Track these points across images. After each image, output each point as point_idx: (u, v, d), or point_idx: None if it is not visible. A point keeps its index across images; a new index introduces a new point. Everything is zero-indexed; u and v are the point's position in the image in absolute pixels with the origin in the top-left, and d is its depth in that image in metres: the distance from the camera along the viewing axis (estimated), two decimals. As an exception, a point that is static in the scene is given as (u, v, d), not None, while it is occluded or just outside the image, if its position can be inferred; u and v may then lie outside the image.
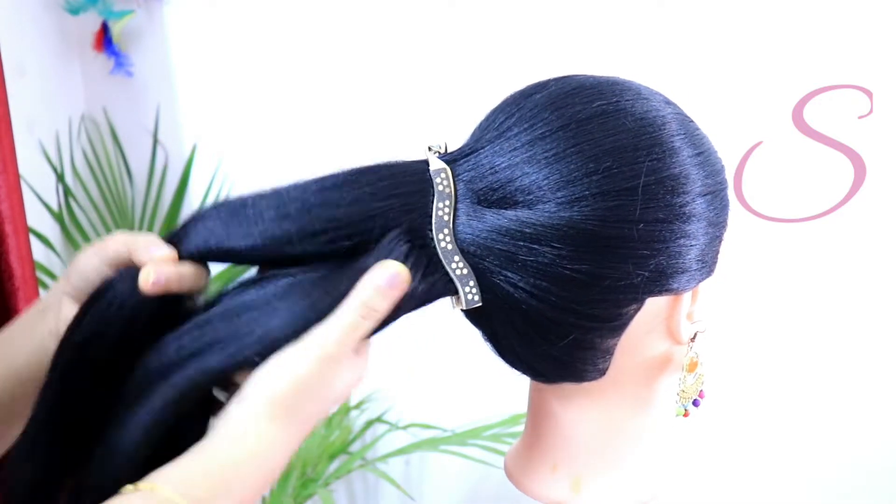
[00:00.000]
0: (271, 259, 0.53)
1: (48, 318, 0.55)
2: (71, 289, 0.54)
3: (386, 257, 0.50)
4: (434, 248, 0.52)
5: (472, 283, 0.52)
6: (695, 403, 0.59)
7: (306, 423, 0.50)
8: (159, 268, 0.51)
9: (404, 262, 0.50)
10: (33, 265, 1.16)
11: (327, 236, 0.51)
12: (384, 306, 0.49)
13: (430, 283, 0.52)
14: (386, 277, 0.49)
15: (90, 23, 1.55)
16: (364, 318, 0.49)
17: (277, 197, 0.54)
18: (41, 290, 1.33)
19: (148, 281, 0.50)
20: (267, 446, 0.47)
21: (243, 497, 0.46)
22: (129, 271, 0.52)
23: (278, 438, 0.48)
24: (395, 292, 0.49)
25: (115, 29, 1.53)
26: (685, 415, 0.59)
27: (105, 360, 0.52)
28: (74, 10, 1.51)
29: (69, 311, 0.53)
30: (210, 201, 1.56)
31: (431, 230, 0.52)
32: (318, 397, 0.49)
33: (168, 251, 0.52)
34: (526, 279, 0.51)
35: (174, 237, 0.53)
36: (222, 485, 0.46)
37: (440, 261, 0.52)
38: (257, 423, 0.47)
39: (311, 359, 0.48)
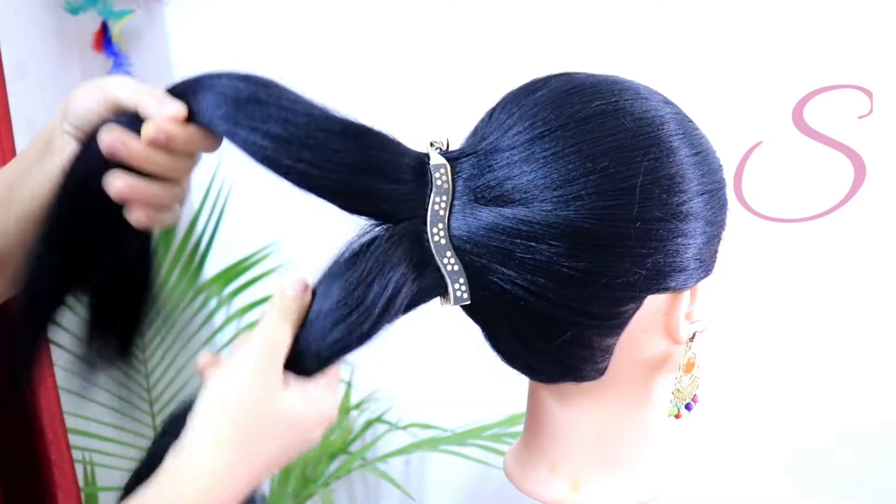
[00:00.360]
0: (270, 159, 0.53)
1: (56, 159, 0.56)
2: (70, 127, 0.55)
3: (384, 256, 0.50)
4: (427, 242, 0.52)
5: (462, 281, 0.52)
6: (688, 407, 0.59)
7: (265, 453, 0.49)
8: (164, 125, 0.52)
9: (400, 261, 0.50)
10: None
11: (329, 168, 0.52)
12: (297, 307, 0.51)
13: (421, 281, 0.52)
14: (293, 288, 0.51)
15: (90, 23, 1.55)
16: (284, 323, 0.50)
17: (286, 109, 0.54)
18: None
19: (148, 135, 0.51)
20: (220, 480, 0.47)
21: None
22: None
23: (232, 468, 0.47)
24: (304, 297, 0.51)
25: (115, 29, 1.53)
26: (677, 416, 0.59)
27: (95, 207, 0.54)
28: (74, 10, 1.51)
29: (74, 151, 0.54)
30: (210, 201, 1.57)
31: (426, 224, 0.52)
32: (269, 427, 0.49)
33: (178, 108, 0.52)
34: (523, 276, 0.51)
35: (183, 93, 0.54)
36: None
37: (433, 256, 0.52)
38: (206, 452, 0.47)
39: (243, 370, 0.49)
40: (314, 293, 0.52)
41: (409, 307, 0.52)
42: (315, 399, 0.51)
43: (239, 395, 0.48)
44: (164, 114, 0.52)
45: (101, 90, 0.54)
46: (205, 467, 0.47)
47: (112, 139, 0.52)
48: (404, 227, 0.52)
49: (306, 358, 0.51)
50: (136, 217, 0.55)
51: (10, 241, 0.59)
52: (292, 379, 0.51)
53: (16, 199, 0.58)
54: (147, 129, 0.52)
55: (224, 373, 0.49)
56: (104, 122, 0.53)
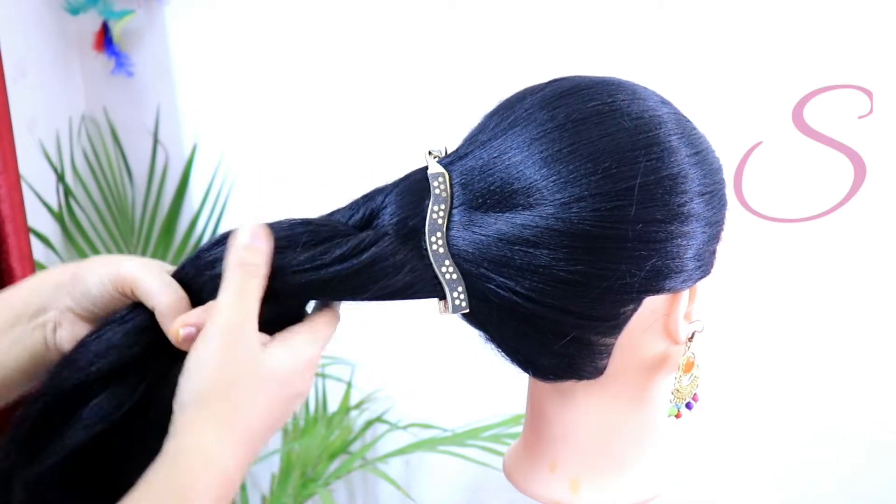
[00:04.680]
0: None
1: (46, 328, 0.53)
2: (74, 304, 0.52)
3: (380, 255, 0.51)
4: (426, 251, 0.52)
5: (460, 289, 0.52)
6: (688, 406, 0.59)
7: (252, 416, 0.47)
8: (189, 330, 0.49)
9: (390, 255, 0.51)
10: (33, 265, 1.16)
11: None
12: (258, 260, 0.49)
13: (416, 281, 0.52)
14: (248, 234, 0.49)
15: (90, 23, 1.55)
16: (247, 277, 0.48)
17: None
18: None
19: (178, 339, 0.49)
20: (211, 455, 0.45)
21: None
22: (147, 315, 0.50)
23: (225, 446, 0.46)
24: (261, 244, 0.49)
25: (116, 29, 1.53)
26: (678, 415, 0.59)
27: (109, 387, 0.50)
28: (74, 10, 1.51)
29: (76, 328, 0.52)
30: (210, 201, 1.57)
31: (425, 233, 0.52)
32: (249, 382, 0.47)
33: (192, 319, 0.49)
34: (522, 283, 0.51)
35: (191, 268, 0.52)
36: None
37: (431, 264, 0.52)
38: (196, 434, 0.46)
39: (213, 335, 0.47)
40: (278, 241, 0.50)
41: (393, 297, 0.52)
42: (295, 348, 0.50)
43: (213, 363, 0.47)
44: (179, 325, 0.50)
45: (116, 276, 0.51)
46: (192, 444, 0.45)
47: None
48: (404, 235, 0.52)
49: (279, 302, 0.50)
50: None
51: None
52: (272, 337, 0.50)
53: None
54: (177, 337, 0.49)
55: (196, 347, 0.48)
56: (117, 304, 0.52)
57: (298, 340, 0.51)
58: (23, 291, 0.54)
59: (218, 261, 0.51)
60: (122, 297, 0.52)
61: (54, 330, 0.53)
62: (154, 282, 0.50)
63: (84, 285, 0.52)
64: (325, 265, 0.50)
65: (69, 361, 0.50)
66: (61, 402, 0.49)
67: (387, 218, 0.53)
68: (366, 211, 0.54)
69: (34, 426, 0.50)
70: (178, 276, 0.52)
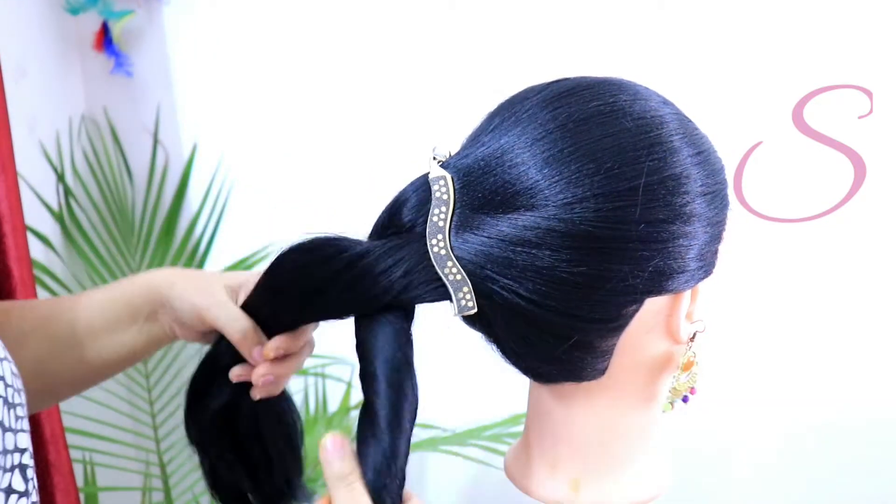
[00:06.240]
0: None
1: (164, 326, 0.68)
2: (175, 321, 0.67)
3: (381, 261, 0.52)
4: (429, 254, 0.52)
5: (465, 290, 0.52)
6: (684, 399, 0.59)
7: None
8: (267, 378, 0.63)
9: (387, 255, 0.53)
10: (31, 265, 1.15)
11: None
12: (350, 466, 0.52)
13: (420, 283, 0.52)
14: (332, 448, 0.52)
15: (90, 23, 1.55)
16: (350, 487, 0.51)
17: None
18: (39, 290, 1.33)
19: (258, 387, 0.63)
20: None
21: None
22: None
23: None
24: (346, 450, 0.52)
25: (116, 29, 1.53)
26: (671, 408, 0.59)
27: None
28: (74, 10, 1.51)
29: (184, 329, 0.66)
30: (210, 201, 1.57)
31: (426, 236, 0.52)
32: None
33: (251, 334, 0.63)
34: (525, 284, 0.51)
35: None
36: None
37: (433, 266, 0.52)
38: None
39: None
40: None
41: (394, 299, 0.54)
42: None
43: None
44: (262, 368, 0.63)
45: (197, 315, 0.64)
46: None
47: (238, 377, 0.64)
48: (406, 240, 0.53)
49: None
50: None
51: (70, 375, 0.70)
52: None
53: (95, 348, 0.68)
54: (256, 387, 0.64)
55: None
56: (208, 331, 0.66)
57: None
58: (137, 299, 0.68)
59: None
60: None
61: (169, 328, 0.68)
62: (222, 321, 0.63)
63: (178, 314, 0.66)
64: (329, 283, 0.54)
65: (210, 356, 0.66)
66: (209, 376, 0.66)
67: (401, 221, 0.54)
68: (386, 217, 0.55)
69: (196, 386, 0.66)
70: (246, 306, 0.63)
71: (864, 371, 1.37)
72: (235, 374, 0.64)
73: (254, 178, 1.56)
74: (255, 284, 0.61)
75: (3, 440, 0.52)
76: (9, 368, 0.55)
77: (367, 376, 0.53)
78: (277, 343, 0.62)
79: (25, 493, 0.54)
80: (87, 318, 0.68)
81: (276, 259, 0.58)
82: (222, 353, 0.65)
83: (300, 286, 0.56)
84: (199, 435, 0.66)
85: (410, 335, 0.55)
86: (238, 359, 0.64)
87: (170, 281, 0.67)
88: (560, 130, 0.51)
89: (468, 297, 0.52)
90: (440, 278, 0.52)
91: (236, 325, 0.62)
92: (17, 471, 0.54)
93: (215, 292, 0.64)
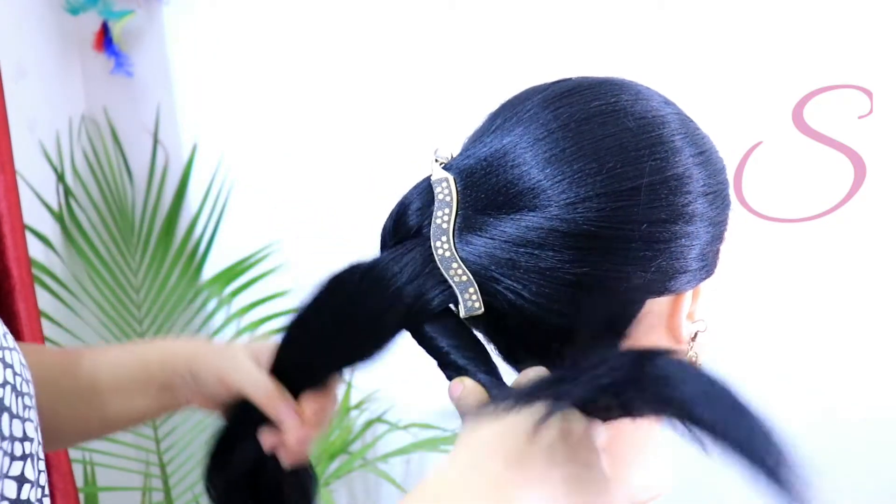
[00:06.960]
0: None
1: (177, 396, 0.67)
2: (194, 394, 0.66)
3: (389, 269, 0.53)
4: (433, 256, 0.52)
5: (472, 290, 0.52)
6: None
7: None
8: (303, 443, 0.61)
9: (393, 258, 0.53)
10: (30, 265, 1.16)
11: None
12: (471, 401, 0.52)
13: (428, 286, 0.52)
14: (454, 395, 0.53)
15: (90, 23, 1.55)
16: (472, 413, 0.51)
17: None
18: (38, 290, 1.33)
19: (292, 450, 0.61)
20: None
21: None
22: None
23: None
24: (469, 395, 0.52)
25: (116, 29, 1.53)
26: None
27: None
28: (74, 10, 1.51)
29: (197, 398, 0.66)
30: (210, 201, 1.57)
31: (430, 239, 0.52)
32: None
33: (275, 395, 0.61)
34: (528, 286, 0.51)
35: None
36: None
37: (438, 268, 0.52)
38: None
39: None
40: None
41: (410, 315, 0.54)
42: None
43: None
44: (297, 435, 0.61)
45: (224, 384, 0.63)
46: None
47: (272, 443, 0.62)
48: (412, 245, 0.53)
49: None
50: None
51: (73, 427, 0.69)
52: None
53: (104, 406, 0.68)
54: (291, 451, 0.62)
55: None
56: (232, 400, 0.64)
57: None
58: (154, 365, 0.68)
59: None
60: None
61: (185, 398, 0.67)
62: (246, 383, 0.62)
63: (203, 383, 0.65)
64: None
65: (241, 409, 0.63)
66: (236, 433, 0.64)
67: (406, 225, 0.54)
68: (392, 223, 0.55)
69: (220, 445, 0.64)
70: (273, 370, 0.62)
71: (864, 370, 1.37)
72: (269, 442, 0.62)
73: (254, 178, 1.56)
74: (279, 344, 0.60)
75: (11, 427, 0.52)
76: (17, 358, 0.55)
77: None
78: (310, 400, 0.61)
79: (37, 483, 0.54)
80: (100, 375, 0.68)
81: (295, 312, 0.57)
82: (243, 417, 0.63)
83: (322, 324, 0.55)
84: (221, 498, 0.64)
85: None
86: (255, 424, 0.62)
87: (193, 352, 0.66)
88: (562, 130, 0.51)
89: (474, 297, 0.52)
90: (446, 280, 0.52)
91: (261, 386, 0.61)
92: (28, 460, 0.54)
93: (238, 358, 0.63)
